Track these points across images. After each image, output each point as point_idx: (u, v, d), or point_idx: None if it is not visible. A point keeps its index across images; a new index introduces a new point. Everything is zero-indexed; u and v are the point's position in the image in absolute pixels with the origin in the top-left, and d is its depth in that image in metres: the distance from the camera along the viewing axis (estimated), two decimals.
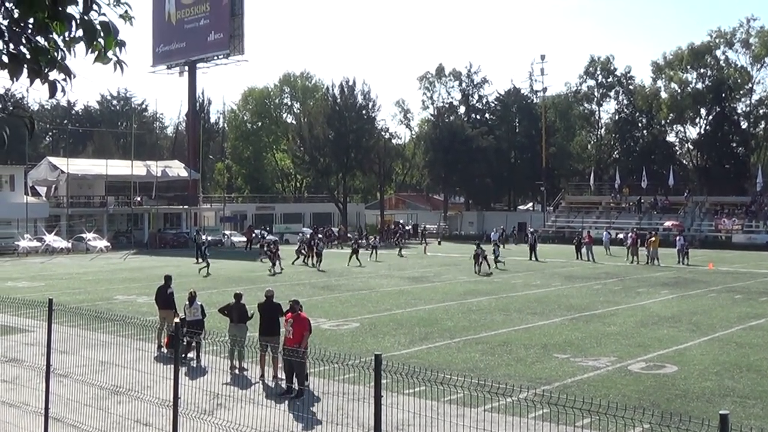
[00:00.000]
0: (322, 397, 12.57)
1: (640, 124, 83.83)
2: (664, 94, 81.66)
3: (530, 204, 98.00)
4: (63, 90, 4.34)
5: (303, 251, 40.47)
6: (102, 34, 4.29)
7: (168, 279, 17.50)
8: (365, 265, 39.72)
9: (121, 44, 4.40)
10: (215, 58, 70.98)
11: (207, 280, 32.83)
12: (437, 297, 26.58)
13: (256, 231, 61.67)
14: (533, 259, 42.60)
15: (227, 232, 65.17)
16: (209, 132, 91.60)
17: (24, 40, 4.18)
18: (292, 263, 38.38)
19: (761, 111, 79.83)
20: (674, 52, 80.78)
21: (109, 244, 56.13)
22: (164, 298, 17.10)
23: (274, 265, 36.56)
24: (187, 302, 15.73)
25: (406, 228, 73.96)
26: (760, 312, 22.55)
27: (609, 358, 15.91)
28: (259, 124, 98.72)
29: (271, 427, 10.86)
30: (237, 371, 14.52)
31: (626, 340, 18.02)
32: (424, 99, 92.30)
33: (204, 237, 45.85)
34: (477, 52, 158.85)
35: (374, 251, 44.98)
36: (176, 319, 14.76)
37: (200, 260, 42.06)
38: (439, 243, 62.01)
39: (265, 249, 40.14)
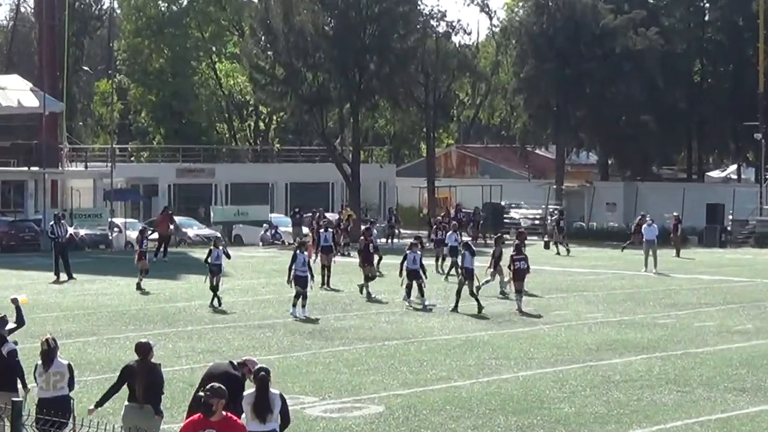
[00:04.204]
0: None
1: None
2: None
3: (732, 167, 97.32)
4: None
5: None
6: None
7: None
8: (385, 275, 40.26)
9: None
10: None
11: (82, 318, 32.97)
12: (541, 355, 26.60)
13: (180, 219, 61.85)
14: None
15: (119, 222, 65.51)
16: (83, 19, 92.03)
17: None
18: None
19: None
20: None
21: None
22: None
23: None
24: (41, 362, 15.76)
25: (469, 213, 71.23)
26: None
27: None
28: (183, 3, 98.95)
29: None
30: None
31: None
32: None
33: (65, 227, 45.90)
34: None
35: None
36: (21, 393, 14.70)
37: (64, 275, 42.30)
38: (546, 245, 62.01)
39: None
